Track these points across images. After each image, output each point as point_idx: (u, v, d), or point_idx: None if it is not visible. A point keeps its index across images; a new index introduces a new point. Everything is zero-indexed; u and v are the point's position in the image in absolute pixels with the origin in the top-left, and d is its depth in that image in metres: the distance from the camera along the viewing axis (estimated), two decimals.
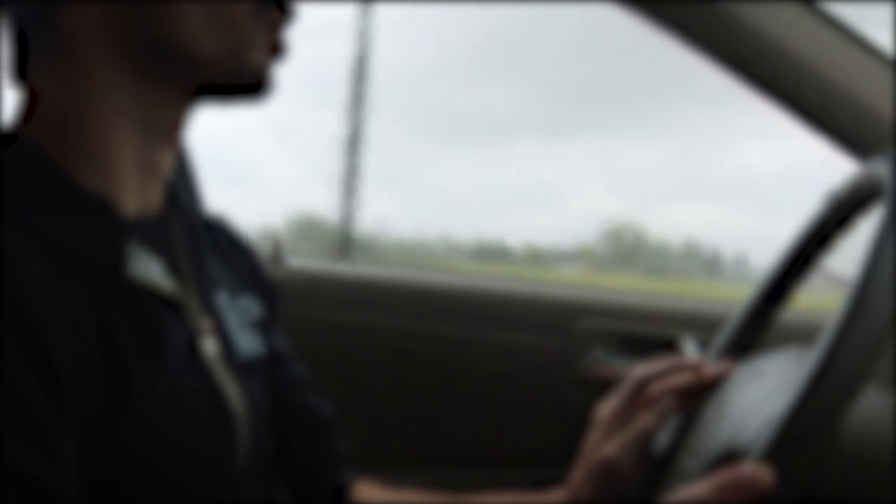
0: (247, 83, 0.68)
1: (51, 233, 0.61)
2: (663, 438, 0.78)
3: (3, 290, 0.55)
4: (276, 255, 1.43)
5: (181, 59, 0.65)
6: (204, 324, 0.70)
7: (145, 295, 0.65)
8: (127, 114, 0.66)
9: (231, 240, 0.83)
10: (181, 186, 0.74)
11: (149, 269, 0.65)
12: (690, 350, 1.11)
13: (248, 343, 0.76)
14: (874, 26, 1.18)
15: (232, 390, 0.70)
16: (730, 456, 0.63)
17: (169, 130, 0.69)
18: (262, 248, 1.40)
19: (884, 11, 1.26)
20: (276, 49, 0.68)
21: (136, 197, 0.68)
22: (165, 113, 0.68)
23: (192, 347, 0.68)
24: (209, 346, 0.69)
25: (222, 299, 0.75)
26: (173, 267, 0.69)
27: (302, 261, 1.50)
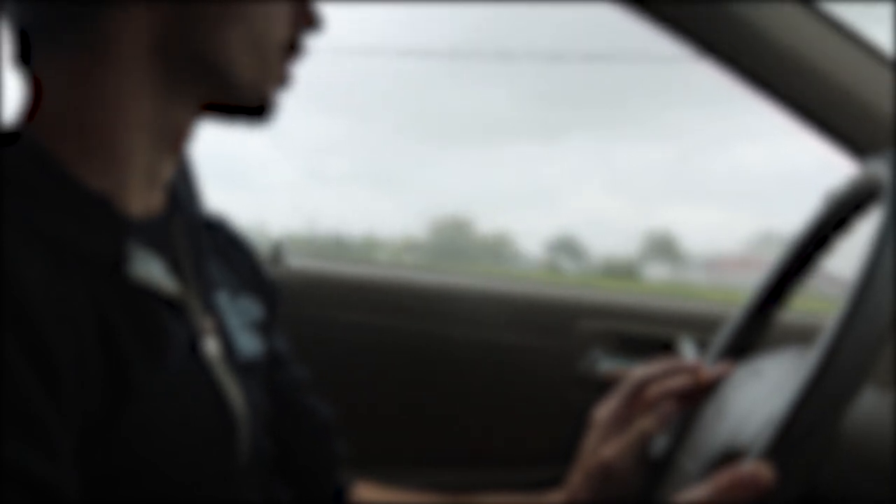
0: (253, 107, 0.70)
1: (52, 231, 0.61)
2: (662, 439, 0.78)
3: (4, 288, 0.55)
4: (276, 256, 1.43)
5: (213, 79, 0.67)
6: (206, 324, 0.70)
7: (147, 294, 0.65)
8: (145, 122, 0.66)
9: (232, 240, 0.83)
10: (182, 187, 0.75)
11: (150, 269, 0.66)
12: (689, 351, 1.12)
13: (248, 344, 0.76)
14: (874, 26, 1.18)
15: (233, 390, 0.70)
16: (729, 456, 0.63)
17: (178, 140, 0.70)
18: (262, 249, 1.40)
19: (884, 11, 1.26)
20: (283, 79, 0.71)
21: (139, 200, 0.68)
22: (179, 124, 0.69)
23: (194, 347, 0.68)
24: (211, 346, 0.69)
25: (223, 299, 0.75)
26: (175, 267, 0.69)
27: (301, 261, 1.50)
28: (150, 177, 0.69)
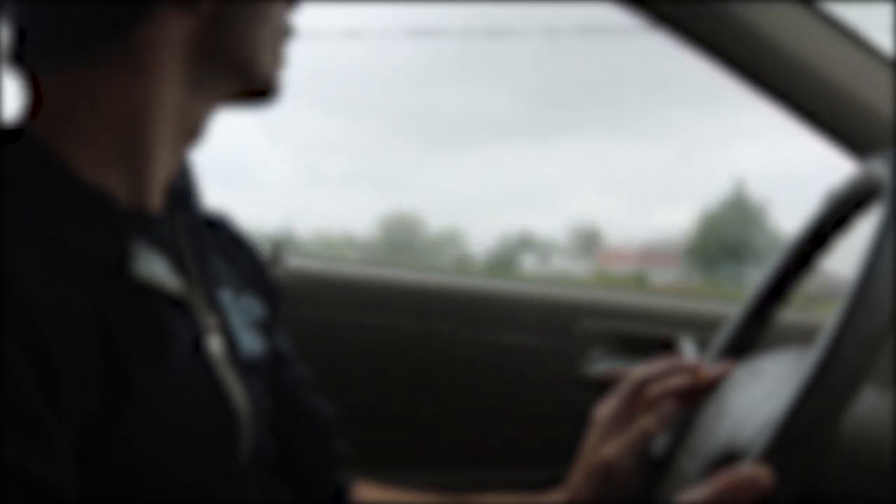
0: (261, 91, 0.71)
1: (52, 231, 0.61)
2: (662, 439, 0.78)
3: (4, 289, 0.55)
4: (276, 256, 1.43)
5: (240, 74, 0.69)
6: (210, 321, 0.70)
7: (150, 293, 0.65)
8: (172, 120, 0.67)
9: (234, 238, 0.83)
10: (181, 184, 0.75)
11: (154, 267, 0.66)
12: (689, 351, 1.11)
13: (251, 343, 0.76)
14: (874, 26, 1.18)
15: (236, 389, 0.70)
16: (729, 456, 0.63)
17: (194, 133, 0.71)
18: (262, 249, 1.40)
19: (884, 12, 1.26)
20: (283, 62, 0.72)
21: (158, 196, 0.69)
22: (200, 118, 0.70)
23: (198, 345, 0.68)
24: (214, 344, 0.70)
25: (226, 298, 0.75)
26: (179, 264, 0.69)
27: (301, 261, 1.50)
28: (167, 174, 0.70)
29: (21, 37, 0.66)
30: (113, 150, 0.65)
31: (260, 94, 0.71)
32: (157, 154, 0.67)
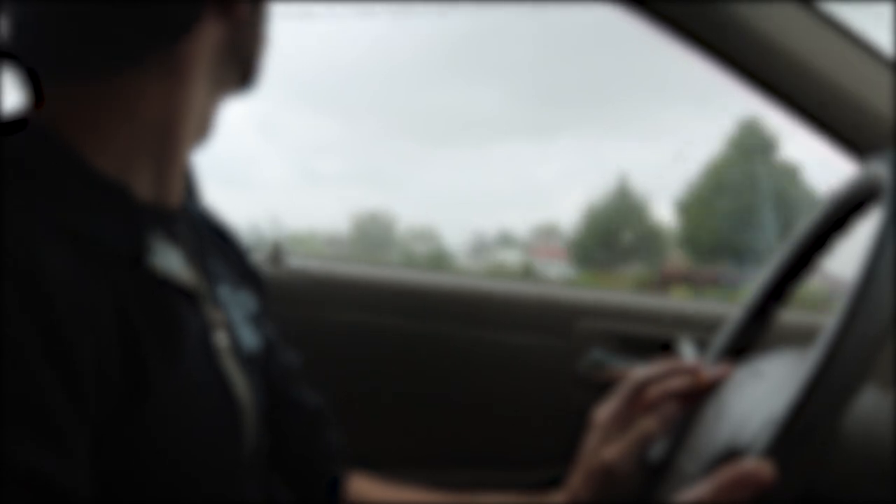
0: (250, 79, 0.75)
1: (74, 225, 0.61)
2: (661, 442, 0.78)
3: (26, 286, 0.55)
4: (275, 256, 1.43)
5: (248, 70, 0.73)
6: (216, 316, 0.71)
7: (166, 286, 0.66)
8: (195, 120, 0.69)
9: (220, 233, 0.83)
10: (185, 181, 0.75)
11: (170, 260, 0.67)
12: (688, 352, 1.11)
13: (249, 338, 0.77)
14: (874, 26, 1.18)
15: (240, 384, 0.71)
16: (729, 456, 0.63)
17: (209, 128, 0.73)
18: (262, 249, 1.40)
19: (884, 11, 1.25)
20: None
21: (179, 192, 0.71)
22: (213, 113, 0.72)
23: (206, 339, 0.68)
24: (221, 339, 0.70)
25: (225, 293, 0.76)
26: (189, 259, 0.70)
27: (302, 261, 1.50)
28: (183, 170, 0.72)
29: (53, 41, 0.66)
30: (142, 151, 0.67)
31: (247, 82, 0.74)
32: (182, 152, 0.69)
